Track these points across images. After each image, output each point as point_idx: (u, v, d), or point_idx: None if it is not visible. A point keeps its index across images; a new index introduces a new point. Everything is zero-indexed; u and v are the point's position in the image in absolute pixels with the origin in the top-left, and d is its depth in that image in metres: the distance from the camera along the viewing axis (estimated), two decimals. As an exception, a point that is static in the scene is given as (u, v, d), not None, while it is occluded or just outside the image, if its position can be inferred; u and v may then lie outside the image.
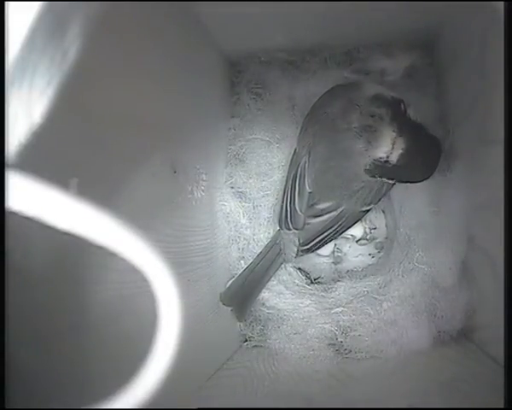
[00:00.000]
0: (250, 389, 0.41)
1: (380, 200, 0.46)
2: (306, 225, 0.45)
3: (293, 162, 0.47)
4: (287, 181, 0.47)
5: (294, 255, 0.47)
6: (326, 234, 0.46)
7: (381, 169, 0.42)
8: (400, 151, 0.42)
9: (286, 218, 0.46)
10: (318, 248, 0.47)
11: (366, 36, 0.49)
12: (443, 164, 0.48)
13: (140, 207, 0.31)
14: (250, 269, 0.47)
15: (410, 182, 0.46)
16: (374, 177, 0.43)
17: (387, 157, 0.42)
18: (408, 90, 0.49)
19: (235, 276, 0.48)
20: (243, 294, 0.46)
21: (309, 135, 0.46)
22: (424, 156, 0.43)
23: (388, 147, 0.42)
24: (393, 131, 0.42)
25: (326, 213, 0.45)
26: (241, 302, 0.46)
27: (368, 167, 0.42)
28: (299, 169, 0.45)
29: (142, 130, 0.32)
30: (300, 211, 0.45)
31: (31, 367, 0.22)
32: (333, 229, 0.45)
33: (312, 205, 0.45)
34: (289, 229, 0.46)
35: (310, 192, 0.45)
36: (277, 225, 0.47)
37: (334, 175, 0.44)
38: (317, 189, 0.45)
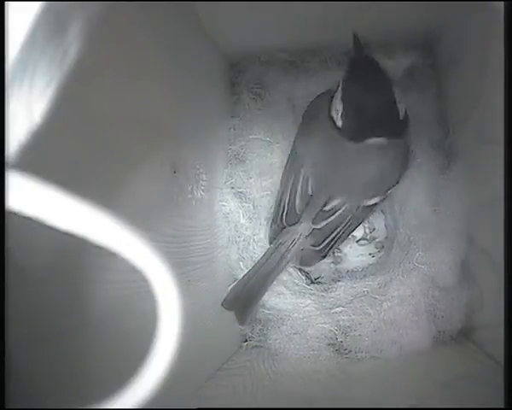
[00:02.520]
0: (250, 389, 0.41)
1: (386, 191, 0.45)
2: (315, 230, 0.45)
3: (294, 165, 0.47)
4: (286, 184, 0.47)
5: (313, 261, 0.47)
6: (335, 234, 0.45)
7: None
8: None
9: (281, 216, 0.46)
10: (330, 250, 0.46)
11: (366, 36, 0.49)
12: (443, 163, 0.48)
13: (140, 207, 0.31)
14: (252, 272, 0.45)
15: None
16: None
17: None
18: (408, 91, 0.50)
19: (237, 280, 0.46)
20: (245, 297, 0.45)
21: (310, 138, 0.46)
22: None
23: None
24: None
25: (333, 214, 0.45)
26: (242, 306, 0.45)
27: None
28: (302, 171, 0.45)
29: (142, 130, 0.32)
30: (299, 211, 0.45)
31: (31, 367, 0.22)
32: (342, 227, 0.45)
33: (320, 211, 0.45)
34: (282, 226, 0.46)
35: (311, 195, 0.45)
36: (272, 222, 0.47)
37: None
38: (324, 187, 0.45)
